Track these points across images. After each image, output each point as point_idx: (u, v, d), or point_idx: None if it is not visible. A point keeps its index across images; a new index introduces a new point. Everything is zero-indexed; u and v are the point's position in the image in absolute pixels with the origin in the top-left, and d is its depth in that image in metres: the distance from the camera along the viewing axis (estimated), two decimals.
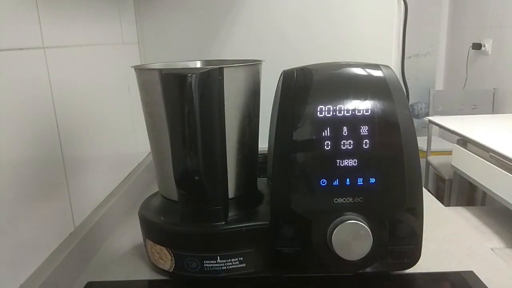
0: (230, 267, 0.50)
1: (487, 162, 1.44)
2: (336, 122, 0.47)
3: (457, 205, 2.03)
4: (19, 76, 0.47)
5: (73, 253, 0.53)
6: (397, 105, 0.47)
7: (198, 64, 0.62)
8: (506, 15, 2.26)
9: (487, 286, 0.49)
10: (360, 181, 0.47)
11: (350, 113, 0.47)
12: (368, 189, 0.47)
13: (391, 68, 0.51)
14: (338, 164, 0.47)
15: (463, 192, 2.17)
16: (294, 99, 0.48)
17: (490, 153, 1.42)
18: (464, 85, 2.61)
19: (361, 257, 0.47)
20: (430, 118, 1.92)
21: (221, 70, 0.47)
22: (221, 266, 0.50)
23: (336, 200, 0.47)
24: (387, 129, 0.47)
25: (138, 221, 0.55)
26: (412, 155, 0.47)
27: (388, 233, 0.48)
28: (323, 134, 0.47)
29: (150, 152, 0.67)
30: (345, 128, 0.46)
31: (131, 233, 0.64)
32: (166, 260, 0.52)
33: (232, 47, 0.96)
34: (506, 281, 0.51)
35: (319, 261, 0.49)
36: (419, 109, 2.85)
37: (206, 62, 0.62)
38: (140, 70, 0.52)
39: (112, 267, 0.56)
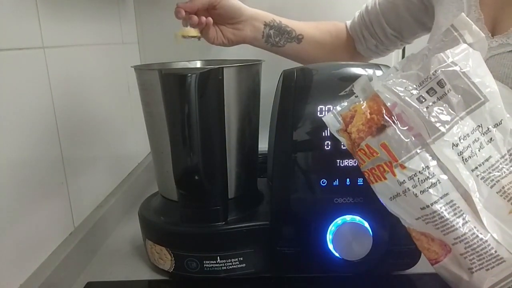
0: (230, 267, 0.50)
1: None
2: None
3: None
4: (19, 76, 0.47)
5: (73, 253, 0.53)
6: None
7: (198, 64, 0.62)
8: None
9: None
10: (360, 181, 0.47)
11: None
12: (368, 189, 0.47)
13: None
14: (338, 164, 0.47)
15: None
16: (294, 99, 0.48)
17: None
18: None
19: (361, 257, 0.47)
20: None
21: (221, 70, 0.47)
22: (221, 266, 0.50)
23: (336, 200, 0.47)
24: None
25: (138, 221, 0.55)
26: None
27: (388, 233, 0.48)
28: (323, 134, 0.46)
29: (150, 152, 0.67)
30: None
31: (131, 233, 0.64)
32: (166, 260, 0.52)
33: (232, 47, 0.95)
34: None
35: (319, 261, 0.49)
36: None
37: (206, 62, 0.62)
38: (140, 70, 0.52)
39: (112, 267, 0.56)
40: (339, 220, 0.47)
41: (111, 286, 0.53)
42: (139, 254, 0.59)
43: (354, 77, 0.50)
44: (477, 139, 0.37)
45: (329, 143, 0.46)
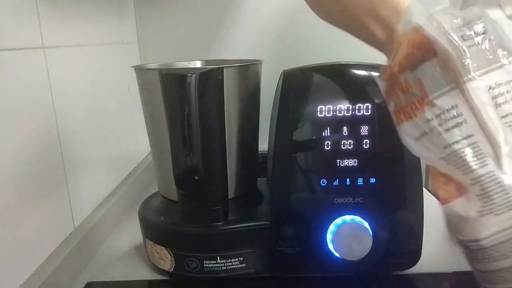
0: (230, 267, 0.50)
1: None
2: (336, 122, 0.47)
3: None
4: (19, 76, 0.47)
5: (73, 253, 0.53)
6: None
7: (198, 64, 0.62)
8: None
9: None
10: (360, 181, 0.47)
11: (350, 113, 0.47)
12: (368, 189, 0.47)
13: None
14: (338, 164, 0.47)
15: None
16: (294, 99, 0.48)
17: None
18: None
19: (361, 257, 0.47)
20: None
21: (221, 70, 0.47)
22: (221, 266, 0.50)
23: (336, 200, 0.47)
24: (387, 129, 0.47)
25: (138, 221, 0.55)
26: (412, 155, 0.47)
27: (388, 233, 0.48)
28: (323, 134, 0.47)
29: (150, 152, 0.67)
30: (345, 128, 0.46)
31: (131, 233, 0.64)
32: (166, 260, 0.52)
33: (232, 47, 0.95)
34: None
35: (319, 261, 0.49)
36: None
37: (206, 62, 0.62)
38: (140, 70, 0.52)
39: (112, 267, 0.56)
40: (339, 220, 0.47)
41: (111, 286, 0.53)
42: (139, 254, 0.59)
43: (355, 77, 0.50)
44: None
45: (329, 143, 0.46)
